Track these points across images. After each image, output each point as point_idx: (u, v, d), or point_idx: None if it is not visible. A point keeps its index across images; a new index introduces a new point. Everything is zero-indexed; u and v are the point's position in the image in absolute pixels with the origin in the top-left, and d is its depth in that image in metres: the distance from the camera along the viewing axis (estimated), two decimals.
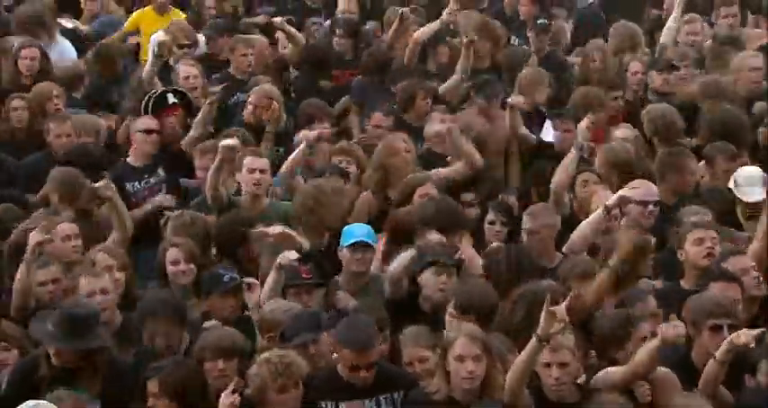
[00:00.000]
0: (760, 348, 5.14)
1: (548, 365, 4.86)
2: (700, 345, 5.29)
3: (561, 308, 4.71)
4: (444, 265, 5.88)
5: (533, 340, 4.71)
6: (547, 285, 5.61)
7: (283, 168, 7.25)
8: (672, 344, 4.92)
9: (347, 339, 4.95)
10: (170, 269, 6.12)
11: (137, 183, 7.38)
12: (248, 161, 6.90)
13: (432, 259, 5.90)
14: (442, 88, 8.95)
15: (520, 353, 4.87)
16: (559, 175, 7.09)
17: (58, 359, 5.23)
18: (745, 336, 4.90)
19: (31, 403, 4.68)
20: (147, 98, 7.89)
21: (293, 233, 6.29)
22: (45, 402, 4.72)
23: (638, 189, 6.64)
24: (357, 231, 6.21)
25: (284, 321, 5.44)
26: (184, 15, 10.90)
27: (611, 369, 5.02)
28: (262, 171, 6.92)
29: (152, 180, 7.43)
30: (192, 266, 6.10)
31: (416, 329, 5.43)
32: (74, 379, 5.16)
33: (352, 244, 6.11)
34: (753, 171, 7.21)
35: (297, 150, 7.30)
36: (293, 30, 9.12)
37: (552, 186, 7.12)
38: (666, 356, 5.12)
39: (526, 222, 6.61)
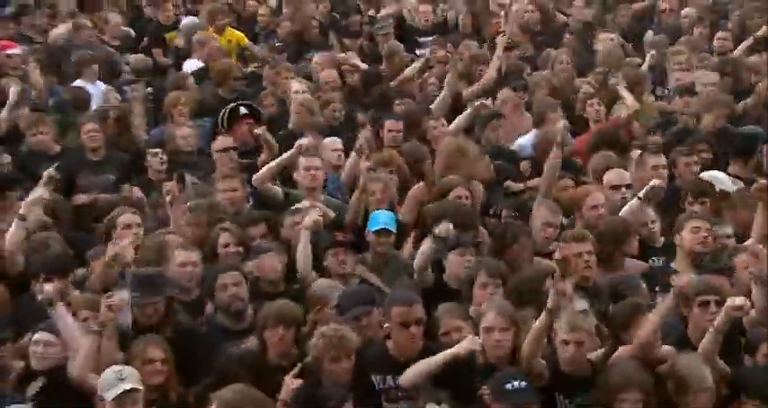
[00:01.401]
0: (759, 330, 5.70)
1: (566, 342, 5.32)
2: (693, 322, 5.72)
3: (568, 285, 5.28)
4: (466, 246, 6.53)
5: (544, 313, 5.20)
6: (533, 269, 6.40)
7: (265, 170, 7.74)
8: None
9: (394, 298, 5.57)
10: (221, 251, 6.75)
11: None
12: (305, 161, 7.58)
13: (455, 242, 6.50)
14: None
15: None
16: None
17: (141, 315, 5.82)
18: (739, 300, 5.23)
19: (116, 367, 5.13)
20: (222, 111, 8.74)
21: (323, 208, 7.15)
22: (129, 367, 5.17)
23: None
24: (382, 218, 6.93)
25: (329, 296, 6.07)
26: (240, 34, 11.88)
27: (621, 348, 5.46)
28: (317, 169, 7.60)
29: None
30: (241, 249, 6.74)
31: (449, 304, 5.99)
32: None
33: (377, 230, 6.87)
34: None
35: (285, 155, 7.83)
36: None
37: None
38: (666, 334, 5.57)
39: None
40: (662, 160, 7.97)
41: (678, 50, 10.60)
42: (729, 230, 6.96)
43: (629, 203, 7.12)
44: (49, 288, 5.57)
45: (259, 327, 5.78)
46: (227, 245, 6.85)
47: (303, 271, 6.58)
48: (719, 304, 5.55)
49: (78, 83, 10.08)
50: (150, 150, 8.47)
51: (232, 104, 8.82)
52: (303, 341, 5.69)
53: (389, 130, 8.65)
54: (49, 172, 6.95)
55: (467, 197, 7.41)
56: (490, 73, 10.21)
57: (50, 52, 11.02)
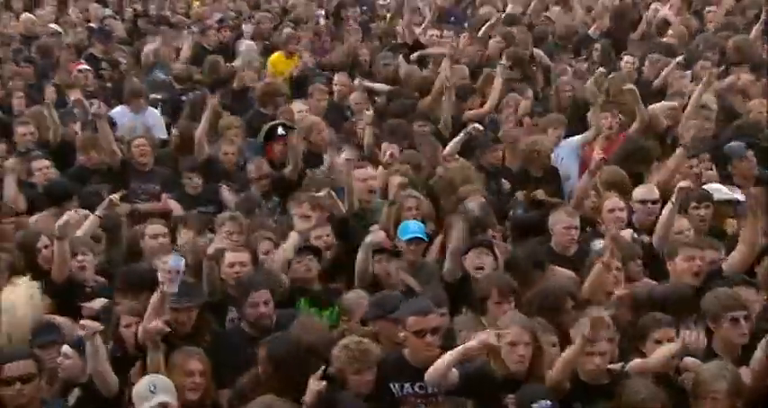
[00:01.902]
0: None
1: (590, 353, 5.09)
2: (722, 338, 5.40)
3: (606, 316, 5.18)
4: (479, 246, 6.51)
5: (581, 340, 4.96)
6: (555, 286, 6.11)
7: None
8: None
9: (410, 307, 5.30)
10: (262, 258, 6.75)
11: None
12: (360, 173, 7.77)
13: (469, 245, 6.55)
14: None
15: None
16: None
17: (175, 322, 5.58)
18: None
19: (149, 378, 5.05)
20: (262, 130, 8.95)
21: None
22: (162, 378, 5.05)
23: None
24: (412, 227, 6.90)
25: (358, 309, 6.03)
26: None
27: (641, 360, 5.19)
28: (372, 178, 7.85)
29: (269, 205, 8.25)
30: None
31: (466, 317, 6.00)
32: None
33: (409, 239, 6.83)
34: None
35: None
36: None
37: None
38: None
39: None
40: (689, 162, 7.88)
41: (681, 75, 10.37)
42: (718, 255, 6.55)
43: (665, 209, 6.79)
44: (88, 323, 5.25)
45: None
46: (267, 252, 6.79)
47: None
48: (748, 319, 5.31)
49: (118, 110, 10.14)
50: (186, 174, 8.52)
51: (271, 124, 8.92)
52: None
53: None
54: (113, 198, 7.07)
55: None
56: (491, 102, 10.12)
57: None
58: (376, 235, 6.72)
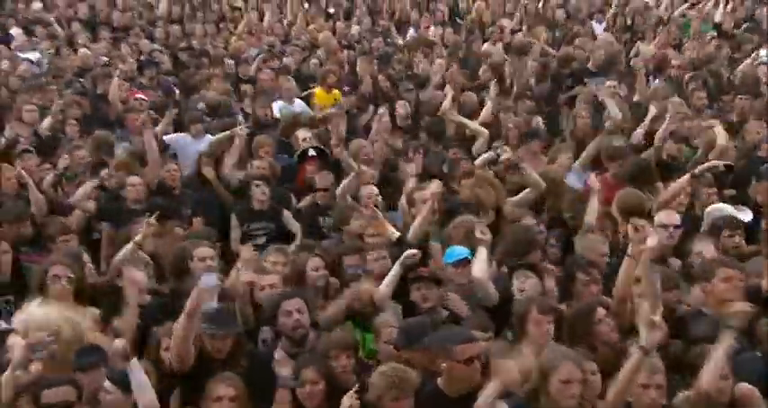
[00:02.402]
0: None
1: (646, 386, 4.35)
2: None
3: (658, 318, 4.33)
4: (522, 268, 5.76)
5: (638, 353, 4.22)
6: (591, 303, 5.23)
7: None
8: None
9: (454, 336, 4.60)
10: (311, 274, 5.97)
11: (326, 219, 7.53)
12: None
13: (511, 265, 5.92)
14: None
15: None
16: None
17: (213, 347, 4.91)
18: None
19: None
20: (295, 154, 8.39)
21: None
22: None
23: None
24: (458, 250, 5.96)
25: (383, 330, 5.24)
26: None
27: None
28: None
29: (325, 223, 7.49)
30: (326, 272, 6.01)
31: (503, 344, 5.01)
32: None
33: (455, 262, 5.89)
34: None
35: None
36: None
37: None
38: (744, 371, 4.56)
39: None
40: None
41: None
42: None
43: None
44: (118, 343, 4.54)
45: (321, 354, 4.91)
46: (316, 269, 6.03)
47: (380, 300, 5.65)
48: None
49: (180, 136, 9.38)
50: (254, 181, 7.60)
51: (304, 146, 8.36)
52: None
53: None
54: (150, 221, 6.32)
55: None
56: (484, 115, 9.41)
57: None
58: (410, 253, 5.77)
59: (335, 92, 11.06)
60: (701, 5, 14.49)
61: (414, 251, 5.78)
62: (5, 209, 7.03)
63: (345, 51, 13.45)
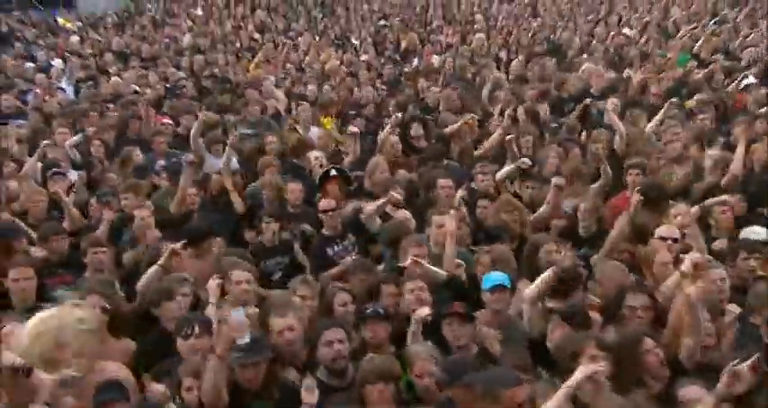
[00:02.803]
0: None
1: None
2: None
3: (744, 370, 3.67)
4: (560, 313, 4.73)
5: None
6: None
7: None
8: None
9: (502, 378, 3.66)
10: (338, 309, 5.15)
11: (335, 247, 6.60)
12: (438, 219, 6.07)
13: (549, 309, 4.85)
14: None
15: None
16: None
17: (243, 377, 4.24)
18: None
19: None
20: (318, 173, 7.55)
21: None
22: None
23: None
24: (495, 276, 5.09)
25: (417, 362, 4.36)
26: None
27: None
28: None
29: (345, 243, 6.64)
30: (354, 307, 5.15)
31: (547, 383, 4.13)
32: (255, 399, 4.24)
33: (492, 287, 5.06)
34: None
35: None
36: None
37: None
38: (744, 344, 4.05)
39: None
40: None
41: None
42: None
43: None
44: (157, 387, 3.98)
45: (359, 383, 4.20)
46: (344, 304, 5.18)
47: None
48: None
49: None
50: (265, 218, 6.63)
51: (325, 168, 7.58)
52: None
53: (442, 187, 7.04)
54: (175, 248, 5.52)
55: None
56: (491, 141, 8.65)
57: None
58: (422, 311, 4.76)
59: (327, 119, 10.48)
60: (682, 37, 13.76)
61: None
62: (42, 228, 6.45)
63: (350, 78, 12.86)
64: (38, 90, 12.07)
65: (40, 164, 8.15)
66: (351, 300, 5.15)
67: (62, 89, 12.76)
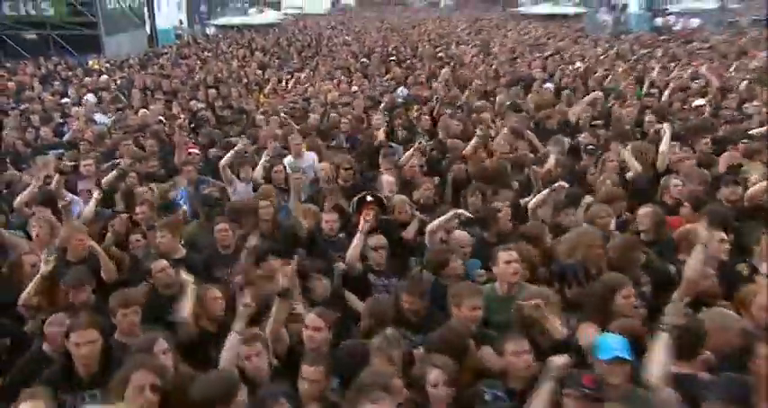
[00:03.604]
0: None
1: None
2: None
3: None
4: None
5: None
6: None
7: None
8: None
9: None
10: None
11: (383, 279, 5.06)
12: (504, 256, 4.38)
13: None
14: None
15: None
16: None
17: None
18: None
19: None
20: (353, 199, 6.01)
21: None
22: None
23: None
24: (610, 341, 3.35)
25: None
26: None
27: None
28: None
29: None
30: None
31: None
32: None
33: (610, 359, 3.27)
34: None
35: None
36: None
37: None
38: None
39: None
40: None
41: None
42: None
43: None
44: None
45: None
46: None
47: None
48: None
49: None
50: (315, 276, 4.70)
51: (360, 194, 6.02)
52: None
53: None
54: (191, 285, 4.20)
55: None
56: None
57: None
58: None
59: None
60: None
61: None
62: (69, 274, 4.59)
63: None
64: (75, 122, 10.43)
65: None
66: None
67: (93, 121, 11.01)
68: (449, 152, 7.71)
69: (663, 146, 6.55)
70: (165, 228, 5.34)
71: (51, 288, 4.42)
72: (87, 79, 15.36)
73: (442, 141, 8.28)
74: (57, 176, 6.26)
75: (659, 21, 24.14)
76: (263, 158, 7.46)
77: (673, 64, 13.47)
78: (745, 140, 7.14)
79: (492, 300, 4.26)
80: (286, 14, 38.18)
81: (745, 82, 10.70)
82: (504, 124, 8.10)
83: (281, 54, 20.58)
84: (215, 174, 7.31)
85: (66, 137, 9.87)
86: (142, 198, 6.18)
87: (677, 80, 11.25)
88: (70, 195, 6.48)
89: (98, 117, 11.32)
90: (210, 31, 31.18)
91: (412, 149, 7.14)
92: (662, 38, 20.42)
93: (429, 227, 5.24)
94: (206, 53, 20.74)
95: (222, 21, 33.09)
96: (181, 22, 30.45)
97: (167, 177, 7.51)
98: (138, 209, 5.94)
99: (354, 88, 13.40)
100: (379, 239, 5.08)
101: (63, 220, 5.56)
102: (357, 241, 5.01)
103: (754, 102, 9.07)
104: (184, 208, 6.54)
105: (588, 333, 3.62)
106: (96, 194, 6.20)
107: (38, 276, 4.45)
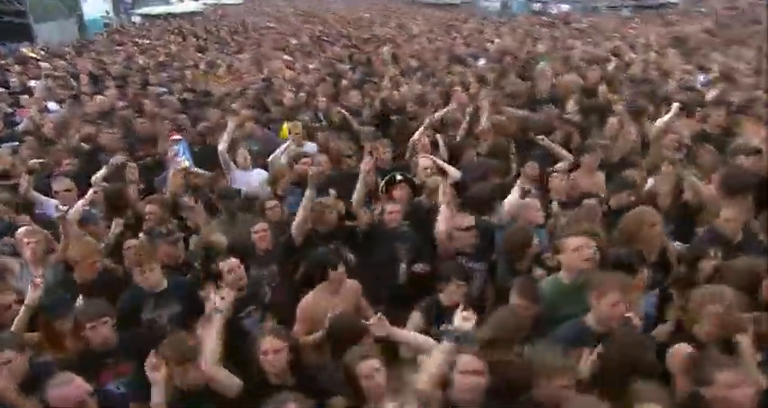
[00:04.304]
0: None
1: None
2: None
3: None
4: None
5: None
6: None
7: None
8: None
9: None
10: None
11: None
12: (574, 242, 3.32)
13: None
14: None
15: None
16: None
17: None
18: None
19: None
20: (383, 180, 4.64)
21: None
22: None
23: None
24: None
25: None
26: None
27: None
28: None
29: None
30: None
31: None
32: None
33: None
34: None
35: None
36: None
37: None
38: None
39: None
40: None
41: None
42: None
43: None
44: None
45: None
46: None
47: None
48: None
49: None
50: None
51: (390, 174, 4.66)
52: None
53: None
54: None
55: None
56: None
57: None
58: None
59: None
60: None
61: None
62: (81, 311, 3.12)
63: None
64: (26, 111, 8.06)
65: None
66: None
67: (47, 109, 8.57)
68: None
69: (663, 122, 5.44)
70: (154, 261, 3.57)
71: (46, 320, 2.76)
72: (26, 66, 12.25)
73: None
74: (25, 176, 4.32)
75: (536, 6, 23.82)
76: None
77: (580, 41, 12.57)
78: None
79: (557, 292, 3.14)
80: (206, 4, 34.20)
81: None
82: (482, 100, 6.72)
83: (216, 39, 17.87)
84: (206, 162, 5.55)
85: (20, 127, 7.55)
86: (151, 197, 4.41)
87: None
88: (43, 198, 4.57)
89: (51, 105, 8.81)
90: (136, 20, 27.19)
91: (422, 127, 5.69)
92: (544, 19, 19.87)
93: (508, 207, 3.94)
94: (143, 40, 17.58)
95: (146, 10, 29.13)
96: (107, 12, 26.29)
97: (155, 165, 5.64)
98: (147, 209, 4.19)
99: (299, 66, 11.51)
100: (468, 219, 3.78)
101: (63, 235, 3.74)
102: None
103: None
104: (187, 163, 5.08)
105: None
106: (91, 192, 4.35)
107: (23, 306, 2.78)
